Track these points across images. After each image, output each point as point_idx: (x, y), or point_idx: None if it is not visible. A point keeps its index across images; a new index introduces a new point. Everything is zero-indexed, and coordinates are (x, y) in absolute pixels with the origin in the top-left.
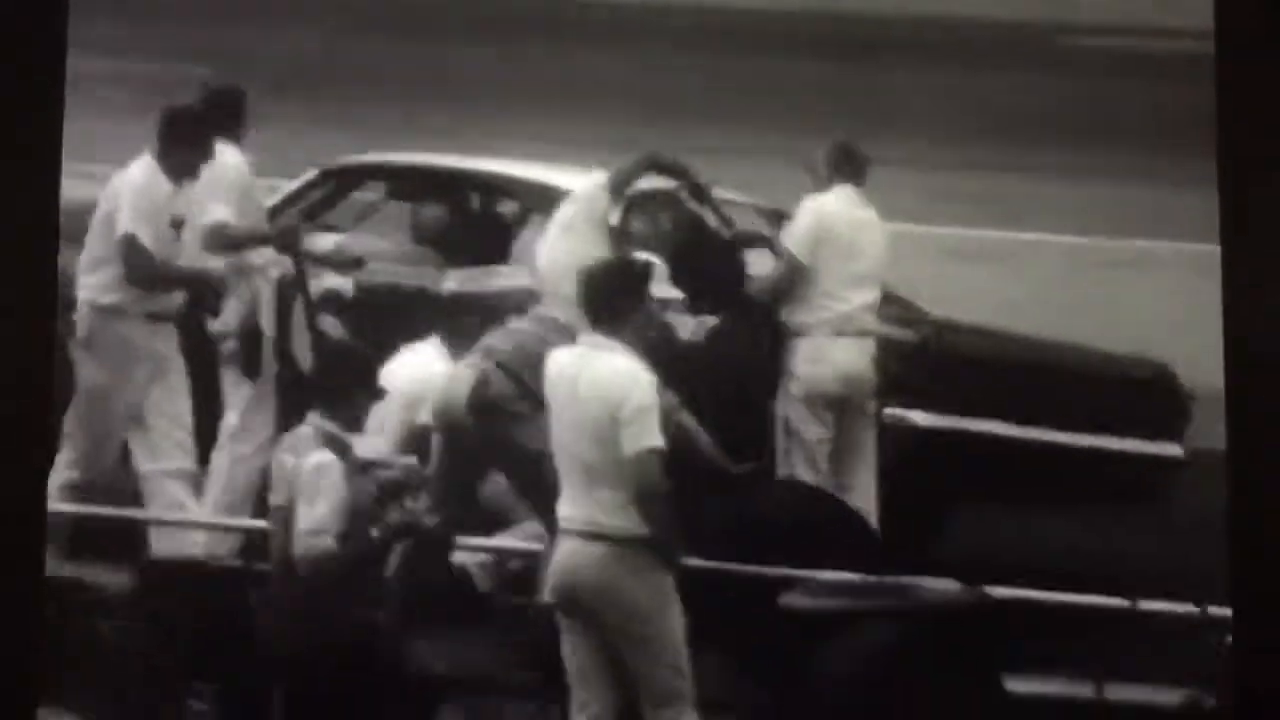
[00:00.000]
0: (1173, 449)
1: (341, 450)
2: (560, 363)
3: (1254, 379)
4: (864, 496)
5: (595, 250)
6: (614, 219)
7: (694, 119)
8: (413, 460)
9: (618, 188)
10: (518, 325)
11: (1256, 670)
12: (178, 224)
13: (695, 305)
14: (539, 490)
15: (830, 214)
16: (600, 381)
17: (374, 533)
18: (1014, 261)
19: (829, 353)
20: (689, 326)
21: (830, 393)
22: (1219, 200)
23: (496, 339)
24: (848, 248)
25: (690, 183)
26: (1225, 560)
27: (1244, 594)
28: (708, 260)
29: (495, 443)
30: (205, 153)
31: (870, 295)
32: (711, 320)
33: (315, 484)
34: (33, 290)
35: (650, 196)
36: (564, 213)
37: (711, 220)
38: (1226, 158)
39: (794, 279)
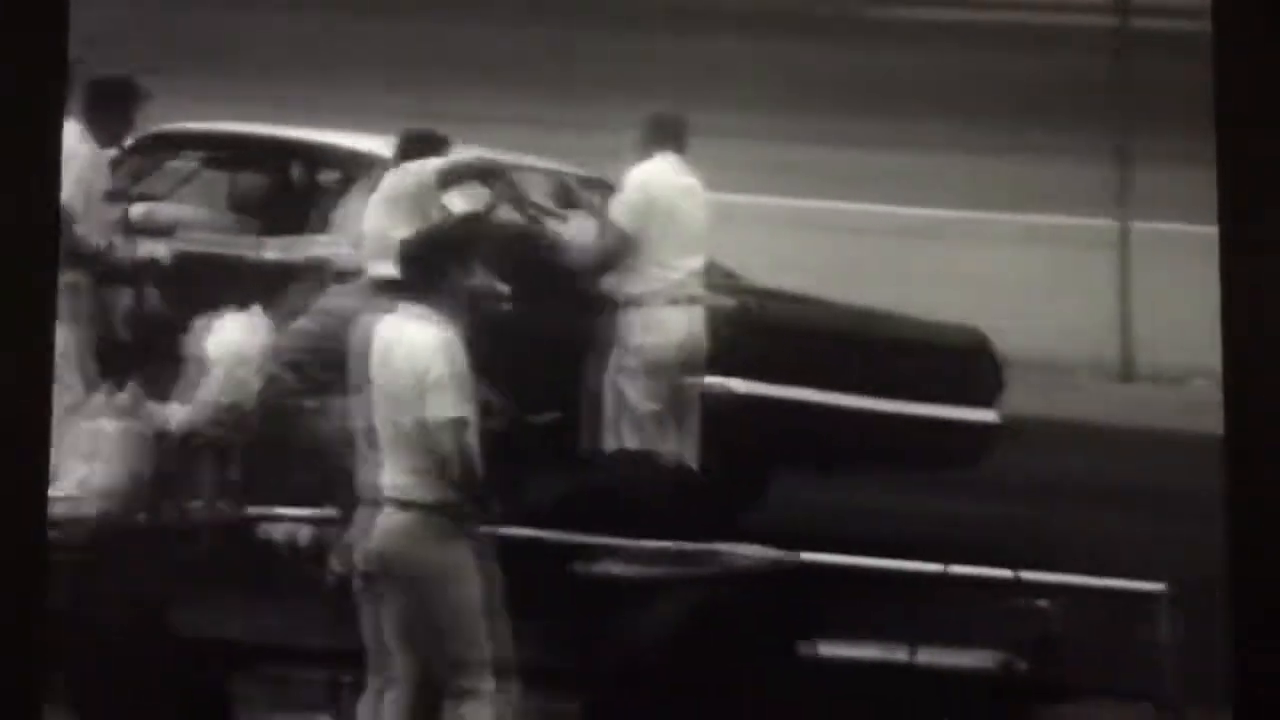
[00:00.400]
0: (988, 415)
1: (144, 418)
2: (379, 330)
3: (1252, 366)
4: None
5: (416, 222)
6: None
7: (517, 89)
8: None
9: (444, 182)
10: (304, 323)
11: (1255, 659)
12: (111, 195)
13: (519, 300)
14: (340, 474)
15: (656, 183)
16: (409, 349)
17: (146, 516)
18: (836, 231)
19: (665, 322)
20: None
21: (667, 362)
22: (1217, 184)
23: (286, 338)
24: (673, 216)
25: (507, 189)
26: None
27: (1243, 584)
28: (529, 270)
29: (290, 440)
30: (130, 120)
31: (697, 262)
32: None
33: (104, 449)
34: (34, 285)
35: (468, 220)
36: (389, 184)
37: (528, 217)
38: (1225, 143)
39: (620, 249)
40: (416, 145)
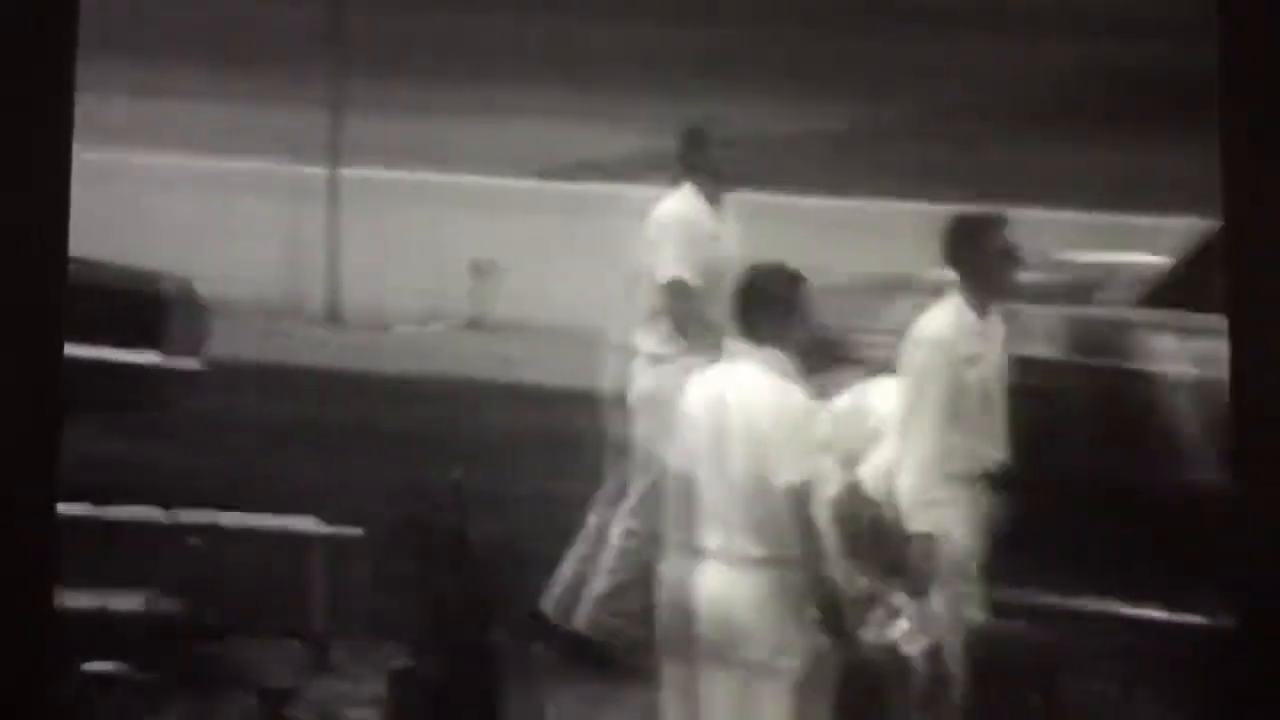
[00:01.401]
0: (191, 361)
1: None
2: None
3: (1258, 365)
4: None
5: None
6: None
7: None
8: None
9: None
10: None
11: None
12: None
13: None
14: None
15: None
16: None
17: None
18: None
19: None
20: None
21: None
22: (1221, 179)
23: None
24: None
25: None
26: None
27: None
28: None
29: None
30: None
31: None
32: None
33: None
34: (40, 288)
35: None
36: None
37: None
38: (1229, 135)
39: None
40: None
